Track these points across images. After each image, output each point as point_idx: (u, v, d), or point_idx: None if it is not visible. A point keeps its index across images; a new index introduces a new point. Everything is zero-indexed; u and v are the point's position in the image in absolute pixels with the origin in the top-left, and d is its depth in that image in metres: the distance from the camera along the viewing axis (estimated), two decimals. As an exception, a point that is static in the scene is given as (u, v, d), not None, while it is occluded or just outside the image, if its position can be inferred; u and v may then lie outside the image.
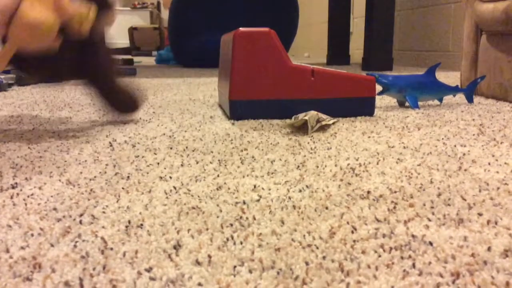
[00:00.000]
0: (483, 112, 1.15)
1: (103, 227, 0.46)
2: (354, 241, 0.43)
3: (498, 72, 1.36)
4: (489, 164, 0.68)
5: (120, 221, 0.47)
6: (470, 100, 1.31)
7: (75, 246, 0.42)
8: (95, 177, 0.62)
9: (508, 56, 1.32)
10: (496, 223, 0.46)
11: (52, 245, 0.42)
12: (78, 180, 0.61)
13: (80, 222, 0.47)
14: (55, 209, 0.51)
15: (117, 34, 5.92)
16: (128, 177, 0.62)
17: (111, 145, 0.81)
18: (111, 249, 0.41)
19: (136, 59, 4.06)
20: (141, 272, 0.37)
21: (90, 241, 0.43)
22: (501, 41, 1.35)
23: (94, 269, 0.37)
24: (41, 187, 0.58)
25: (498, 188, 0.57)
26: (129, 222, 0.47)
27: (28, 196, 0.55)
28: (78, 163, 0.70)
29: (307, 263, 0.38)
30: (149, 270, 0.37)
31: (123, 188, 0.58)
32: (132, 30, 5.33)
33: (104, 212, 0.50)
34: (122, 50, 5.12)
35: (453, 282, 0.35)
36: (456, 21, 2.73)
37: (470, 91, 1.30)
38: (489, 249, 0.41)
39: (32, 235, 0.44)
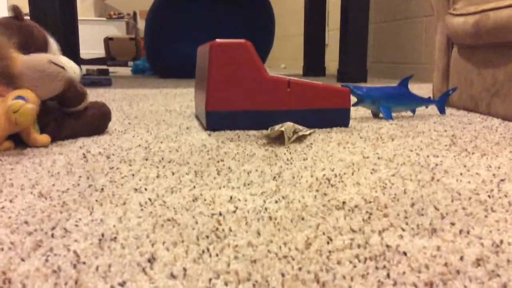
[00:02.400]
0: (455, 123, 1.17)
1: (75, 240, 0.45)
2: (329, 251, 0.43)
3: (469, 84, 1.40)
4: (461, 174, 0.69)
5: (93, 234, 0.46)
6: (442, 111, 1.34)
7: (46, 260, 0.41)
8: (68, 189, 0.61)
9: (478, 68, 1.35)
10: (468, 232, 0.47)
11: (22, 260, 0.41)
12: (50, 193, 0.60)
13: (52, 235, 0.46)
14: (26, 222, 0.49)
15: (92, 44, 5.86)
16: (102, 189, 0.61)
17: (85, 157, 0.80)
18: (84, 263, 0.40)
19: (111, 69, 4.03)
20: (114, 287, 0.36)
21: (62, 255, 0.42)
22: (472, 54, 1.38)
23: (66, 283, 0.37)
24: (12, 200, 0.57)
25: (470, 198, 0.58)
26: (103, 235, 0.46)
27: (-2, 209, 0.53)
28: (50, 175, 0.68)
29: (283, 275, 0.38)
30: (122, 284, 0.37)
31: (96, 201, 0.57)
32: (108, 41, 5.29)
33: (77, 225, 0.49)
34: (98, 60, 5.07)
35: (427, 291, 0.36)
36: (428, 34, 2.80)
37: (442, 102, 1.33)
38: (461, 258, 0.41)
39: (2, 249, 0.43)
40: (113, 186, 0.63)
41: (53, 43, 1.00)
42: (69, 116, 0.96)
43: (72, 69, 1.01)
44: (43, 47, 0.96)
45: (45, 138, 0.88)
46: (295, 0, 4.60)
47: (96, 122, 1.01)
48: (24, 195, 0.59)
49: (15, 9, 0.96)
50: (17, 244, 0.44)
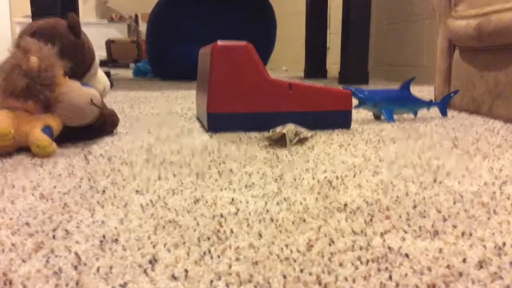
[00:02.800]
0: (456, 125, 1.17)
1: (76, 242, 0.45)
2: (331, 253, 0.43)
3: (471, 87, 1.40)
4: (463, 176, 0.69)
5: (94, 235, 0.46)
6: (444, 113, 1.33)
7: (47, 261, 0.40)
8: (69, 191, 0.61)
9: (480, 71, 1.35)
10: (470, 234, 0.47)
11: (23, 261, 0.41)
12: (51, 194, 0.60)
13: (53, 237, 0.46)
14: (27, 223, 0.49)
15: (94, 47, 5.87)
16: (104, 191, 0.61)
17: (86, 159, 0.80)
18: (85, 264, 0.40)
19: (113, 71, 4.03)
20: (115, 288, 0.36)
21: (63, 256, 0.42)
22: (474, 56, 1.38)
23: (67, 285, 0.36)
24: (14, 201, 0.57)
25: (472, 200, 0.58)
26: (104, 236, 0.46)
27: (-1, 211, 0.53)
28: (52, 176, 0.68)
29: (284, 276, 0.38)
30: (124, 285, 0.36)
31: (98, 202, 0.57)
32: (110, 43, 5.30)
33: (78, 227, 0.49)
34: (100, 63, 5.08)
35: (429, 293, 0.36)
36: (430, 36, 2.80)
37: (444, 105, 1.33)
38: (464, 260, 0.41)
39: (3, 250, 0.43)
40: (115, 188, 0.63)
41: (97, 61, 1.01)
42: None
43: (104, 84, 1.02)
44: (88, 67, 0.97)
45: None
46: (296, 2, 4.60)
47: (107, 131, 1.01)
48: (25, 196, 0.59)
49: (73, 22, 0.94)
50: (18, 245, 0.44)
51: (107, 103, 1.68)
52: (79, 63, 0.95)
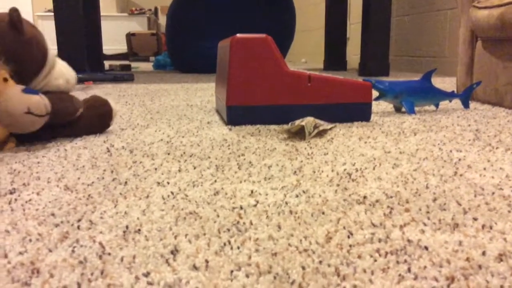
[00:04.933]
0: (479, 117, 1.16)
1: (101, 232, 0.46)
2: (350, 245, 0.43)
3: (493, 78, 1.37)
4: (484, 169, 0.68)
5: (117, 226, 0.47)
6: (466, 105, 1.32)
7: (73, 251, 0.42)
8: (92, 182, 0.63)
9: (503, 61, 1.33)
10: (491, 227, 0.47)
11: (50, 250, 0.42)
12: (76, 186, 0.61)
13: (78, 227, 0.47)
14: (53, 214, 0.51)
15: (114, 40, 5.93)
16: (126, 182, 0.63)
17: (108, 151, 0.81)
18: (109, 254, 0.41)
19: (133, 64, 4.07)
20: (138, 277, 0.37)
21: (88, 246, 0.43)
22: (496, 47, 1.36)
23: (92, 274, 0.38)
24: (39, 193, 0.58)
25: (493, 193, 0.57)
26: (127, 227, 0.47)
27: (26, 202, 0.55)
28: (76, 168, 0.70)
29: (303, 268, 0.39)
30: (146, 275, 0.37)
31: (120, 194, 0.58)
32: (130, 36, 5.34)
33: (102, 218, 0.50)
34: (120, 56, 5.13)
35: (448, 286, 0.36)
36: (452, 27, 2.75)
37: (466, 96, 1.31)
38: (483, 253, 0.41)
39: (30, 240, 0.44)
40: (137, 179, 0.64)
41: (50, 55, 0.91)
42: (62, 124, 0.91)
43: (65, 78, 0.94)
44: (40, 66, 0.88)
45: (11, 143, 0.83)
46: (316, -7, 4.57)
47: (96, 123, 0.97)
48: (50, 188, 0.60)
49: (14, 18, 0.83)
50: (45, 235, 0.45)
51: (128, 96, 1.71)
52: (26, 64, 0.86)
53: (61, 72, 0.94)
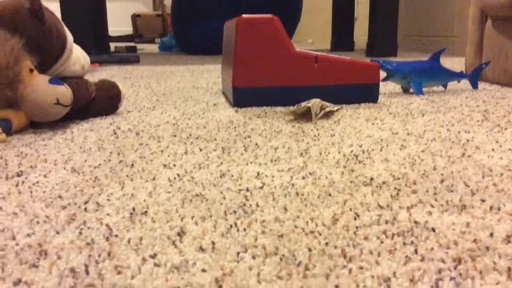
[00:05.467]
0: (487, 98, 1.14)
1: (108, 214, 0.46)
2: (356, 227, 0.43)
3: (503, 58, 1.35)
4: (493, 150, 0.68)
5: (124, 208, 0.48)
6: (474, 86, 1.30)
7: (80, 233, 0.42)
8: (99, 164, 0.63)
9: (513, 41, 1.31)
10: (499, 209, 0.47)
11: (57, 232, 0.42)
12: (82, 168, 0.61)
13: (85, 209, 0.48)
14: (60, 196, 0.51)
15: (120, 22, 5.90)
16: (132, 164, 0.63)
17: (115, 133, 0.81)
18: (116, 236, 0.41)
19: (139, 46, 4.05)
20: (145, 259, 0.37)
21: (95, 228, 0.43)
22: (507, 26, 1.33)
23: (99, 255, 0.38)
24: (46, 175, 0.58)
25: (501, 174, 0.57)
26: (134, 209, 0.47)
27: (33, 184, 0.55)
28: (82, 151, 0.70)
29: (309, 249, 0.39)
30: (153, 256, 0.38)
31: (127, 176, 0.58)
32: (135, 17, 5.31)
33: (108, 200, 0.50)
34: (125, 37, 5.10)
35: (455, 267, 0.36)
36: (461, 6, 2.71)
37: (474, 77, 1.29)
38: (491, 235, 0.41)
39: (38, 222, 0.44)
40: (143, 162, 0.64)
41: (69, 42, 0.91)
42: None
43: (81, 63, 0.94)
44: (59, 53, 0.88)
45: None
46: (323, -27, 4.50)
47: (105, 105, 0.97)
48: (57, 170, 0.61)
49: (35, 6, 0.82)
50: (52, 217, 0.46)
51: (134, 78, 1.70)
52: (47, 53, 0.86)
53: (78, 58, 0.95)
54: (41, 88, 0.80)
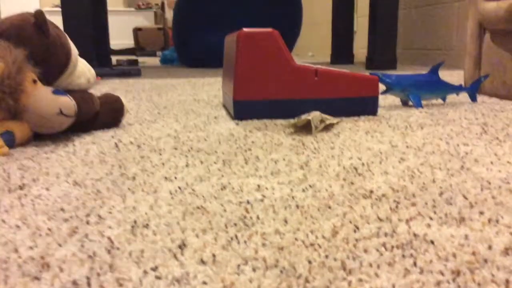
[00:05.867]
0: (486, 111, 1.15)
1: (109, 227, 0.47)
2: (356, 240, 0.43)
3: (501, 71, 1.36)
4: (491, 163, 0.68)
5: (126, 221, 0.48)
6: (473, 99, 1.31)
7: (82, 246, 0.42)
8: (101, 177, 0.63)
9: (511, 54, 1.32)
10: (497, 221, 0.47)
11: (60, 245, 0.42)
12: (84, 181, 0.62)
13: (87, 222, 0.48)
14: (62, 209, 0.51)
15: (121, 35, 5.94)
16: (134, 177, 0.63)
17: (116, 146, 0.82)
18: (118, 248, 0.42)
19: (140, 59, 4.08)
20: (147, 271, 0.38)
21: (97, 240, 0.43)
22: (505, 39, 1.35)
23: (101, 268, 0.38)
24: (48, 188, 0.59)
25: (500, 187, 0.57)
26: (135, 222, 0.48)
27: (35, 197, 0.56)
28: (84, 164, 0.71)
29: (310, 262, 0.39)
30: (155, 269, 0.38)
31: (129, 189, 0.58)
32: (137, 31, 5.35)
33: (110, 212, 0.50)
34: (127, 51, 5.13)
35: (454, 280, 0.36)
36: (460, 19, 2.73)
37: (473, 90, 1.30)
38: (490, 247, 0.41)
39: (40, 235, 0.45)
40: (144, 174, 0.65)
41: (74, 55, 0.92)
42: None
43: (86, 77, 0.95)
44: (64, 66, 0.89)
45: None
46: (323, -13, 4.54)
47: (109, 119, 0.98)
48: (59, 183, 0.61)
49: (40, 20, 0.84)
50: (54, 230, 0.46)
51: (136, 91, 1.71)
52: (51, 65, 0.87)
53: (83, 71, 0.96)
54: (44, 98, 0.81)
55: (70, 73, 0.92)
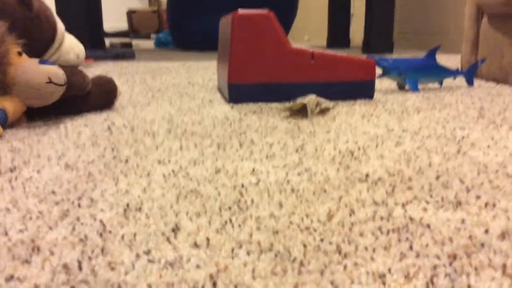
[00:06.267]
0: (483, 95, 1.14)
1: (101, 210, 0.46)
2: (352, 223, 0.43)
3: (498, 55, 1.35)
4: (488, 147, 0.68)
5: (118, 204, 0.47)
6: (470, 83, 1.30)
7: (73, 229, 0.42)
8: (93, 160, 0.62)
9: (509, 38, 1.31)
10: (494, 205, 0.47)
11: (50, 228, 0.42)
12: (76, 164, 0.61)
13: (79, 205, 0.47)
14: (53, 192, 0.51)
15: (115, 17, 5.87)
16: (127, 160, 0.62)
17: (109, 129, 0.81)
18: (110, 232, 0.41)
19: (134, 42, 4.04)
20: (139, 255, 0.37)
21: (88, 224, 0.43)
22: (502, 23, 1.34)
23: (92, 251, 0.38)
24: (40, 171, 0.58)
25: (496, 171, 0.57)
26: (128, 205, 0.47)
27: (26, 180, 0.55)
28: (76, 146, 0.70)
29: (305, 246, 0.38)
30: (147, 252, 0.37)
31: (121, 172, 0.58)
32: (131, 13, 5.29)
33: (102, 196, 0.50)
34: (121, 34, 5.08)
35: (450, 264, 0.36)
36: (458, 3, 2.71)
37: (470, 74, 1.30)
38: (486, 231, 0.41)
39: (31, 218, 0.44)
40: (137, 157, 0.64)
41: (60, 29, 0.90)
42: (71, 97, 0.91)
43: (75, 52, 0.95)
44: (50, 40, 0.88)
45: None
46: (319, -31, 4.49)
47: (102, 100, 0.97)
48: (51, 166, 0.60)
49: None
50: (45, 213, 0.45)
51: (129, 73, 1.69)
52: (36, 39, 0.86)
53: (71, 46, 0.95)
54: (32, 69, 0.80)
55: (57, 48, 0.90)
